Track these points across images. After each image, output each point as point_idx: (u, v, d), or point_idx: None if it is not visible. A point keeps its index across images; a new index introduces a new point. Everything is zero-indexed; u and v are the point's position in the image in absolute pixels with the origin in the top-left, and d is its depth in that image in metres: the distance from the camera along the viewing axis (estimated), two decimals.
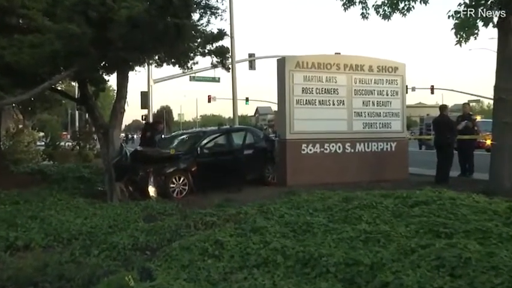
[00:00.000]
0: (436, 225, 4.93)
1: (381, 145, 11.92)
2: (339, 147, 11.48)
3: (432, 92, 43.87)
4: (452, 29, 8.60)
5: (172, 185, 9.60)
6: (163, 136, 13.05)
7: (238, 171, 10.36)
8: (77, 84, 13.75)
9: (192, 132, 13.05)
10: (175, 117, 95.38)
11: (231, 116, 22.24)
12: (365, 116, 11.85)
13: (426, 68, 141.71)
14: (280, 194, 8.83)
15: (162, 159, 9.93)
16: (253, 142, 11.45)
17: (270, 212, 6.34)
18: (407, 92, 13.20)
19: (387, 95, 12.09)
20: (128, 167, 9.06)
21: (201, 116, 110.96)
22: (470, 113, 13.30)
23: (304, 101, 11.23)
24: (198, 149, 10.26)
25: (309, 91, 11.23)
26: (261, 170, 11.24)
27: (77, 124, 33.55)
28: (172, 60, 9.63)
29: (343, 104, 11.61)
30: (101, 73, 9.66)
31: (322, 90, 11.38)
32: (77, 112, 35.18)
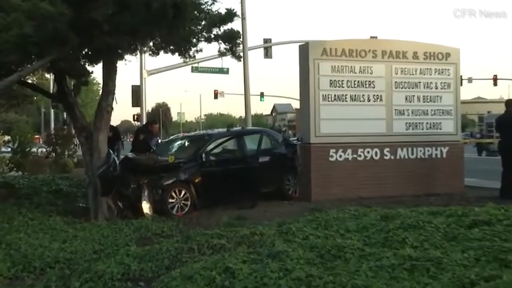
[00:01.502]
0: (502, 251, 4.89)
1: (428, 151, 11.89)
2: (376, 153, 11.48)
3: (495, 84, 43.10)
4: None
5: (171, 200, 9.68)
6: (159, 140, 13.16)
7: (252, 183, 10.47)
8: (52, 77, 13.83)
9: (195, 136, 13.21)
10: (174, 117, 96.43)
11: (243, 115, 22.38)
12: (408, 115, 11.84)
13: (486, 54, 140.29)
14: (303, 210, 8.93)
15: (159, 168, 10.03)
16: (270, 147, 11.67)
17: (292, 233, 6.40)
18: (462, 84, 13.14)
19: (436, 88, 12.07)
20: (116, 178, 9.14)
21: (205, 115, 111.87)
22: None
23: (333, 96, 11.26)
24: (203, 156, 10.37)
25: (338, 84, 11.29)
26: (279, 182, 11.39)
27: (53, 126, 33.96)
28: (171, 47, 9.65)
29: (381, 99, 11.63)
30: (82, 63, 9.61)
31: (354, 83, 11.42)
32: (52, 111, 35.76)
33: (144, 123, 20.19)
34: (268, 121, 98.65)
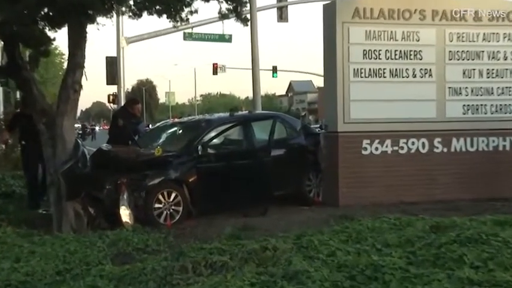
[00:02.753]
0: None
1: (493, 141, 11.84)
2: (423, 144, 11.49)
3: None
4: None
5: (158, 205, 9.73)
6: (145, 128, 13.17)
7: (262, 183, 10.63)
8: (1, 45, 13.67)
9: (190, 122, 13.20)
10: (162, 98, 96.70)
11: (250, 95, 22.40)
12: (467, 95, 11.78)
13: None
14: (328, 218, 8.95)
15: (142, 164, 10.13)
16: (285, 137, 11.78)
17: (314, 248, 6.39)
18: None
19: (506, 59, 11.97)
20: (87, 177, 9.23)
21: (201, 96, 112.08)
22: None
23: (367, 71, 11.27)
24: (199, 148, 10.43)
25: (374, 55, 11.30)
26: (297, 182, 11.46)
27: (1, 109, 33.91)
28: (157, 6, 9.63)
29: (431, 75, 11.62)
30: (41, 27, 9.46)
31: (395, 54, 11.42)
32: (0, 89, 35.59)
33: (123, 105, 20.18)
34: (282, 103, 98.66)
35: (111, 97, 29.89)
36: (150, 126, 13.00)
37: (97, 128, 71.41)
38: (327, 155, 11.42)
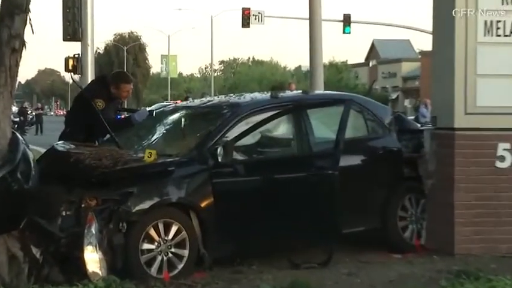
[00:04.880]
0: None
1: None
2: None
3: None
4: None
5: (148, 246, 9.59)
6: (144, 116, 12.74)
7: (323, 212, 10.47)
8: None
9: (203, 108, 12.85)
10: (155, 66, 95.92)
11: (304, 64, 22.07)
12: None
13: None
14: (437, 276, 9.06)
15: (124, 175, 9.87)
16: (364, 136, 11.80)
17: None
18: None
19: None
20: (29, 195, 9.10)
21: (222, 63, 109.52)
22: None
23: (504, 30, 11.08)
24: (219, 151, 10.08)
25: None
26: (383, 211, 11.39)
27: None
28: None
29: None
30: None
31: None
32: None
33: (92, 78, 20.56)
34: (359, 78, 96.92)
35: (70, 62, 28.56)
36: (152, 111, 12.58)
37: (46, 113, 68.09)
38: (435, 167, 11.19)
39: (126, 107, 14.70)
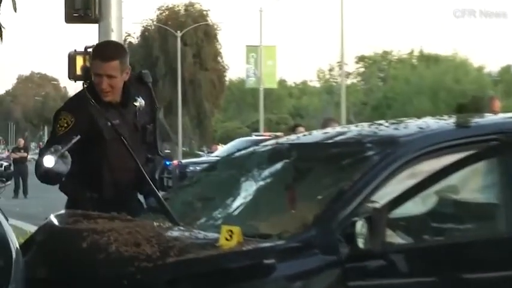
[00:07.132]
0: None
1: None
2: None
3: None
4: None
5: None
6: (208, 153, 9.51)
7: None
8: None
9: (329, 146, 9.60)
10: (236, 70, 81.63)
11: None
12: None
13: None
14: None
15: (183, 272, 7.43)
16: None
17: None
18: None
19: None
20: None
21: (358, 60, 79.67)
22: None
23: None
24: (359, 227, 7.33)
25: None
26: None
27: None
28: None
29: None
30: None
31: None
32: None
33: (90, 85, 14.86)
34: None
35: (78, 61, 20.34)
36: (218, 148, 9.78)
37: (33, 157, 47.77)
38: None
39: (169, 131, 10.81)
